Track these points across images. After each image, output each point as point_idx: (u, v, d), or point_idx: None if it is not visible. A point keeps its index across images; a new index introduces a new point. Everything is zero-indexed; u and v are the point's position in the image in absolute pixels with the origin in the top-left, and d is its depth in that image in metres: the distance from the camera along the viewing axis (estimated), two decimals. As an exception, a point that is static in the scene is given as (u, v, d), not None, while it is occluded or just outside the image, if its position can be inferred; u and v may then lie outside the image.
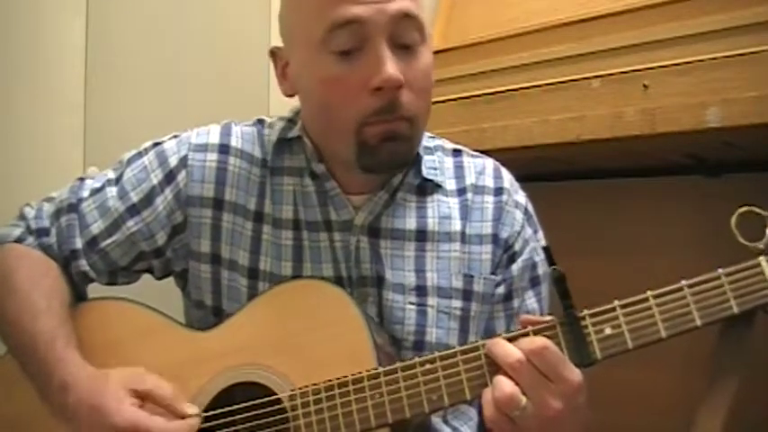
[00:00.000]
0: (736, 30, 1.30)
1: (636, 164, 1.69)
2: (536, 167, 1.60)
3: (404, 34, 1.04)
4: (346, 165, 1.11)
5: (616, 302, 0.92)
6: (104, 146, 1.56)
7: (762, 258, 0.88)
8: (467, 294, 1.15)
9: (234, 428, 1.03)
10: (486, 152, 1.26)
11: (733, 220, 0.91)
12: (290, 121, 1.20)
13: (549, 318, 0.96)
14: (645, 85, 1.35)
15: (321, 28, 1.03)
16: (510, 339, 0.94)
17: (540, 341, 0.91)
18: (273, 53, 1.16)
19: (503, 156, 1.27)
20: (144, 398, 0.99)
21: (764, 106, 1.20)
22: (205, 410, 1.04)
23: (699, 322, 0.89)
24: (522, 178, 1.24)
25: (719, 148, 1.44)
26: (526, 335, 0.94)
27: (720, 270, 0.90)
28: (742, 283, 0.89)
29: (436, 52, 1.74)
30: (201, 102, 1.69)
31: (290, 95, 1.15)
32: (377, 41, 1.02)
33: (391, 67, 1.02)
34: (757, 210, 0.90)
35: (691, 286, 0.90)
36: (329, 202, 1.15)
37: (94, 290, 1.21)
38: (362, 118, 1.04)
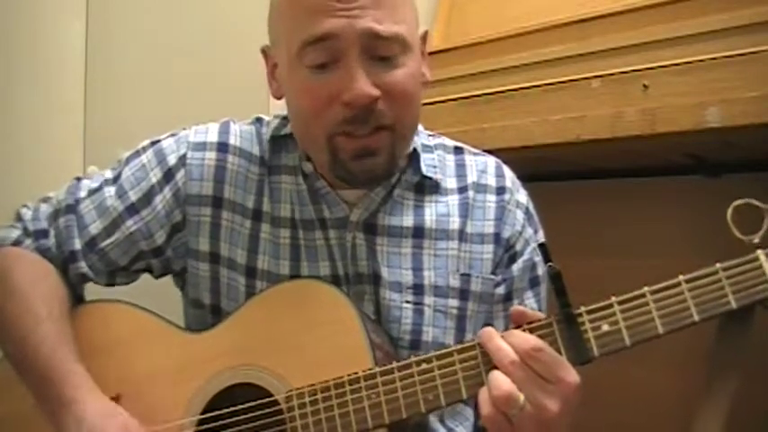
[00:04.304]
0: (736, 30, 1.30)
1: (636, 164, 1.69)
2: (536, 167, 1.59)
3: (379, 48, 1.02)
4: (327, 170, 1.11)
5: (613, 299, 0.91)
6: (104, 146, 1.56)
7: (760, 252, 0.88)
8: (464, 293, 1.14)
9: (231, 430, 1.02)
10: (486, 152, 1.26)
11: (729, 213, 0.91)
12: (285, 119, 1.20)
13: (541, 314, 0.96)
14: (645, 85, 1.35)
15: (296, 43, 1.03)
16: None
17: (532, 341, 0.90)
18: (264, 52, 1.15)
19: (503, 156, 1.26)
20: None
21: (764, 106, 1.20)
22: (203, 412, 1.04)
23: (696, 317, 0.88)
24: (522, 178, 1.24)
25: (719, 148, 1.44)
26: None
27: (718, 265, 0.89)
28: (740, 278, 0.88)
29: (436, 52, 1.77)
30: (201, 102, 1.70)
31: (278, 97, 1.15)
32: (350, 56, 1.01)
33: (362, 82, 1.01)
34: (755, 202, 0.89)
35: (688, 281, 0.89)
36: (322, 201, 1.14)
37: (94, 290, 1.20)
38: (333, 127, 1.04)
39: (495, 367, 0.91)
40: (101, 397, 1.02)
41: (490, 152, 1.26)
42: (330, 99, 1.02)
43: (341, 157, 1.05)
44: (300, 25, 1.02)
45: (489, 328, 0.95)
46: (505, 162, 1.24)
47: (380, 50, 1.03)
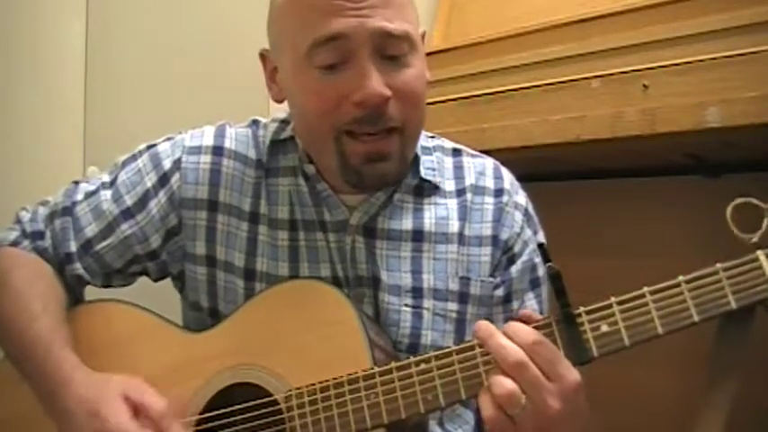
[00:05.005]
0: (736, 30, 1.30)
1: (636, 164, 1.69)
2: (536, 167, 1.60)
3: (389, 47, 1.02)
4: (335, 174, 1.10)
5: (612, 299, 0.91)
6: (104, 146, 1.57)
7: (760, 252, 0.87)
8: (463, 297, 1.14)
9: (231, 429, 1.02)
10: (486, 152, 1.26)
11: (729, 211, 0.90)
12: (284, 122, 1.20)
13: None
14: (645, 85, 1.35)
15: (305, 43, 1.02)
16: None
17: (534, 335, 0.90)
18: (263, 56, 1.14)
19: (503, 156, 1.26)
20: (138, 409, 0.98)
21: (764, 106, 1.20)
22: (202, 411, 1.04)
23: (696, 318, 0.88)
24: (522, 178, 1.23)
25: (719, 148, 1.44)
26: None
27: (718, 265, 0.89)
28: (740, 278, 0.87)
29: (436, 52, 1.77)
30: (201, 102, 1.70)
31: (279, 101, 1.14)
32: (361, 55, 1.01)
33: (376, 81, 1.00)
34: (755, 201, 0.89)
35: (688, 281, 0.89)
36: (322, 203, 1.14)
37: (95, 291, 1.21)
38: (341, 125, 1.03)
39: (495, 367, 0.90)
40: (89, 371, 1.02)
41: (490, 152, 1.26)
42: (339, 100, 1.02)
43: (351, 161, 1.05)
44: (309, 26, 1.01)
45: (488, 325, 0.94)
46: (505, 162, 1.24)
47: (390, 49, 1.02)
